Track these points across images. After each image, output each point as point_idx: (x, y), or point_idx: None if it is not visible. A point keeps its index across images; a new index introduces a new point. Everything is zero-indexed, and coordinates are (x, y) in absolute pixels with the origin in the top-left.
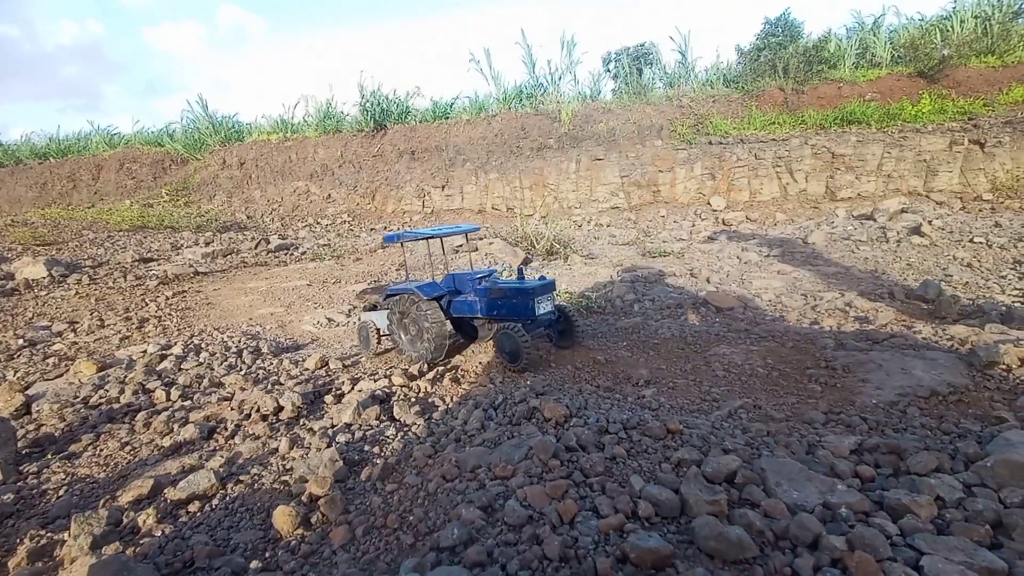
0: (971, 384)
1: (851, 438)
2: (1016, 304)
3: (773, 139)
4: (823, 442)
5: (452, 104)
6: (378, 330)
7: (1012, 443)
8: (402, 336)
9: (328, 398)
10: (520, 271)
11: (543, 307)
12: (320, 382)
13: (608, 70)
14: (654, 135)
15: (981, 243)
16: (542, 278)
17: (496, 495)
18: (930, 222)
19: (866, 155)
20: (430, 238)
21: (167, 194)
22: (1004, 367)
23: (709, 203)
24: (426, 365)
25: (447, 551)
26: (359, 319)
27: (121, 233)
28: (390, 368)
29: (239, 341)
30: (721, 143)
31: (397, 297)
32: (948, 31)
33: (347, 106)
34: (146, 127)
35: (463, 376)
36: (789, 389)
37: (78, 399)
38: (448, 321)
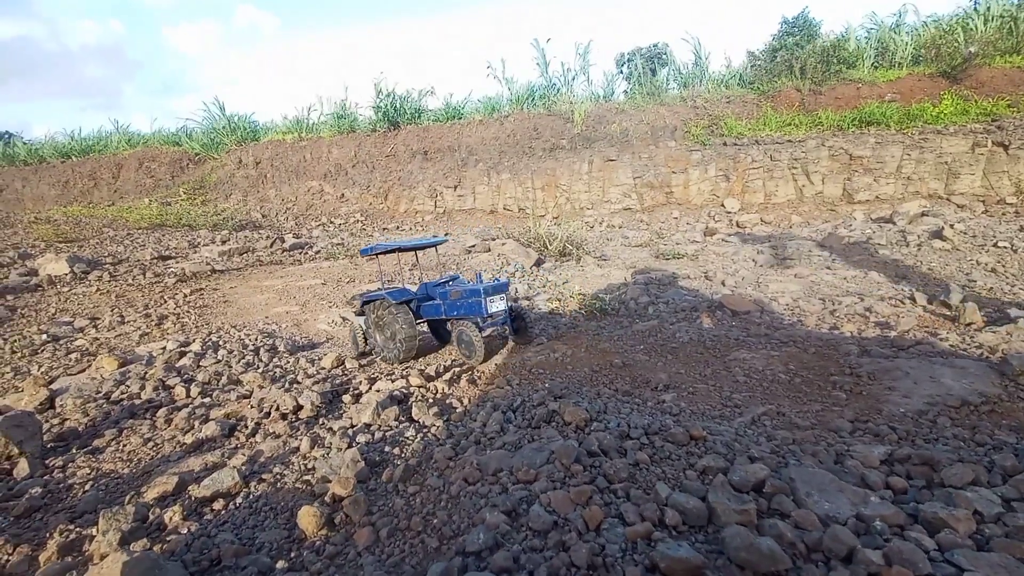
0: (1004, 394)
1: (881, 448)
2: None
3: (789, 140)
4: (851, 451)
5: (465, 104)
6: (364, 333)
7: None
8: (377, 337)
9: (346, 397)
10: (479, 275)
11: (495, 306)
12: (337, 381)
13: (621, 71)
14: (667, 136)
15: (1006, 247)
16: (495, 280)
17: (519, 500)
18: (952, 226)
19: (885, 157)
20: (398, 251)
21: (184, 193)
22: None
23: (723, 205)
24: (441, 368)
25: (473, 556)
26: (351, 322)
27: (140, 231)
28: (407, 369)
29: (256, 339)
30: (736, 144)
31: (373, 302)
32: (972, 30)
33: (361, 107)
34: (164, 127)
35: (480, 377)
36: (813, 396)
37: (100, 394)
38: (417, 324)
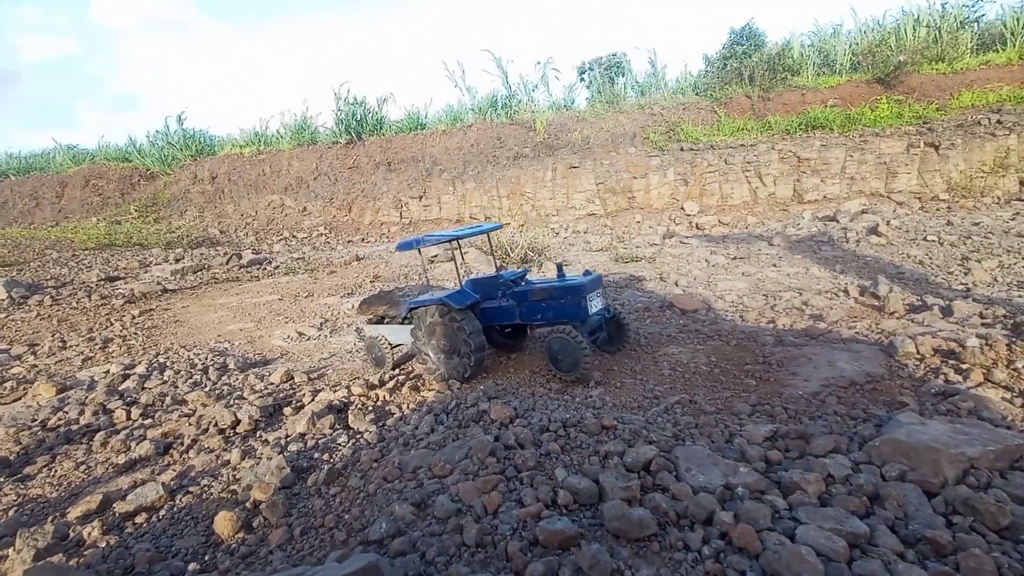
0: (887, 373)
1: (768, 426)
2: (957, 299)
3: (742, 144)
4: (742, 431)
5: (427, 114)
6: (391, 344)
7: (901, 424)
8: (430, 352)
9: (287, 410)
10: (560, 268)
11: (595, 305)
12: (282, 395)
13: (582, 79)
14: (627, 142)
15: (933, 241)
16: (587, 272)
17: (431, 492)
18: (888, 222)
19: (830, 159)
20: (451, 240)
21: (136, 211)
22: (918, 357)
23: (683, 208)
24: (387, 375)
25: (375, 544)
26: (364, 334)
27: (87, 252)
28: (354, 379)
29: (206, 358)
30: (692, 149)
31: (423, 309)
32: (902, 38)
33: (321, 116)
34: (112, 142)
35: (423, 384)
36: (727, 384)
37: (36, 422)
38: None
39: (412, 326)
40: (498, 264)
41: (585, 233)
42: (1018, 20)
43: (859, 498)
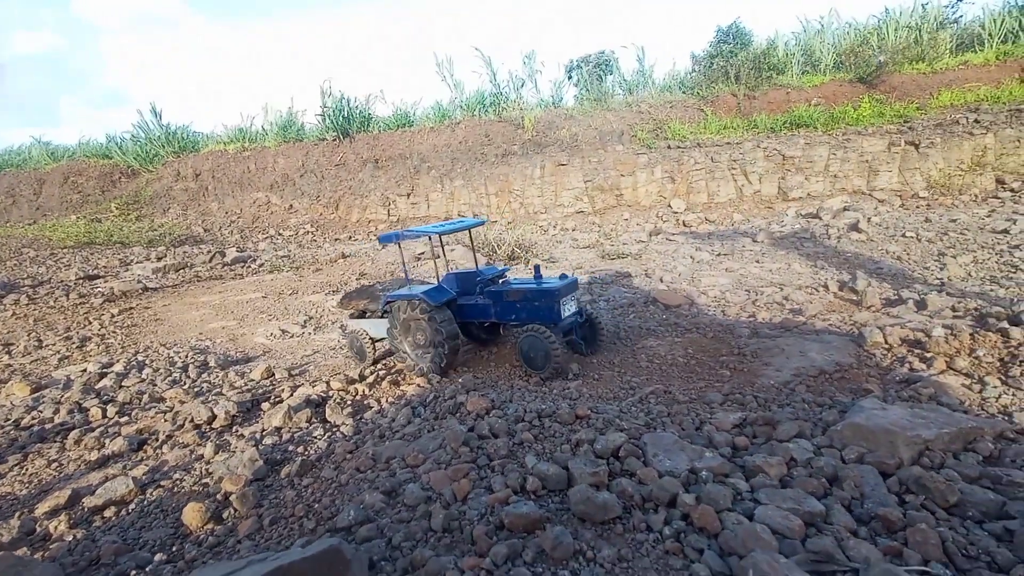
0: (855, 363)
1: (737, 414)
2: (932, 293)
3: (728, 142)
4: (712, 419)
5: (415, 111)
6: (372, 339)
7: (863, 409)
8: (406, 346)
9: (265, 405)
10: (537, 269)
11: (568, 309)
12: (261, 391)
13: (570, 77)
14: (615, 140)
15: (912, 237)
16: (563, 276)
17: (402, 481)
18: (869, 219)
19: (814, 157)
20: (432, 235)
21: (117, 208)
22: (886, 346)
23: (670, 205)
24: (367, 370)
25: (343, 531)
26: (347, 328)
27: (65, 250)
28: (334, 375)
29: (186, 356)
30: (679, 147)
31: (399, 303)
32: (883, 38)
33: (307, 113)
34: (92, 138)
35: (403, 379)
36: (702, 375)
37: (9, 421)
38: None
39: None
40: (486, 261)
41: (573, 231)
42: (995, 22)
43: (818, 480)
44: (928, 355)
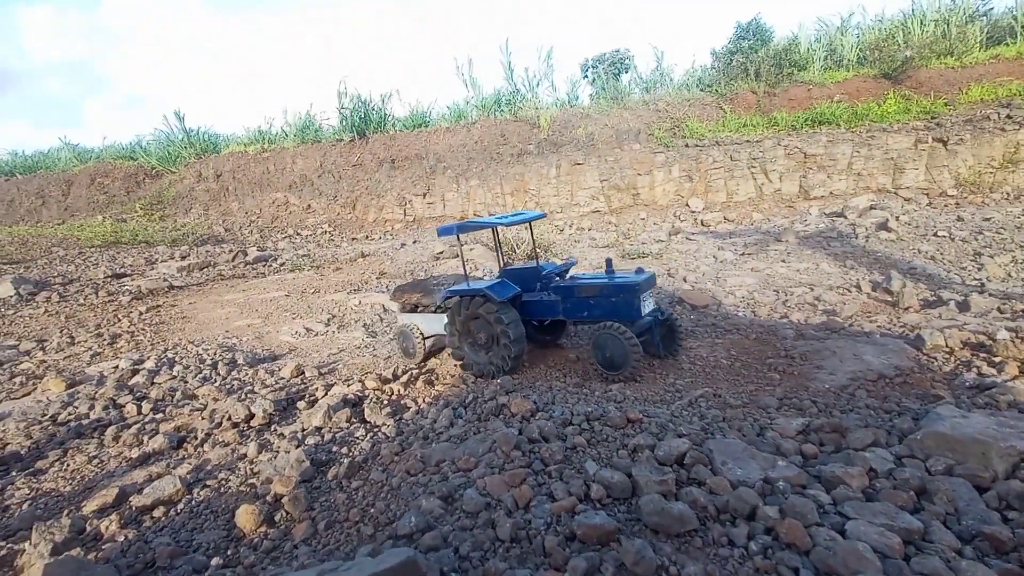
0: (916, 367)
1: (799, 420)
2: (973, 294)
3: (747, 140)
4: (773, 424)
5: (431, 111)
6: (423, 335)
7: (942, 417)
8: (465, 344)
9: (301, 404)
10: (609, 263)
11: (648, 306)
12: (294, 390)
13: (587, 76)
14: (632, 139)
15: (944, 236)
16: (640, 270)
17: (457, 486)
18: (897, 218)
19: (836, 154)
20: (494, 227)
21: (141, 208)
22: (947, 350)
23: (688, 205)
24: (400, 370)
25: (404, 538)
26: (397, 321)
27: (93, 249)
28: (365, 374)
29: (214, 353)
30: (697, 145)
31: (460, 299)
32: (909, 33)
33: (325, 113)
34: (116, 141)
35: (437, 379)
36: (749, 378)
37: (46, 416)
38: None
39: (446, 316)
40: (504, 260)
41: (590, 230)
42: None
43: (906, 493)
44: (996, 359)
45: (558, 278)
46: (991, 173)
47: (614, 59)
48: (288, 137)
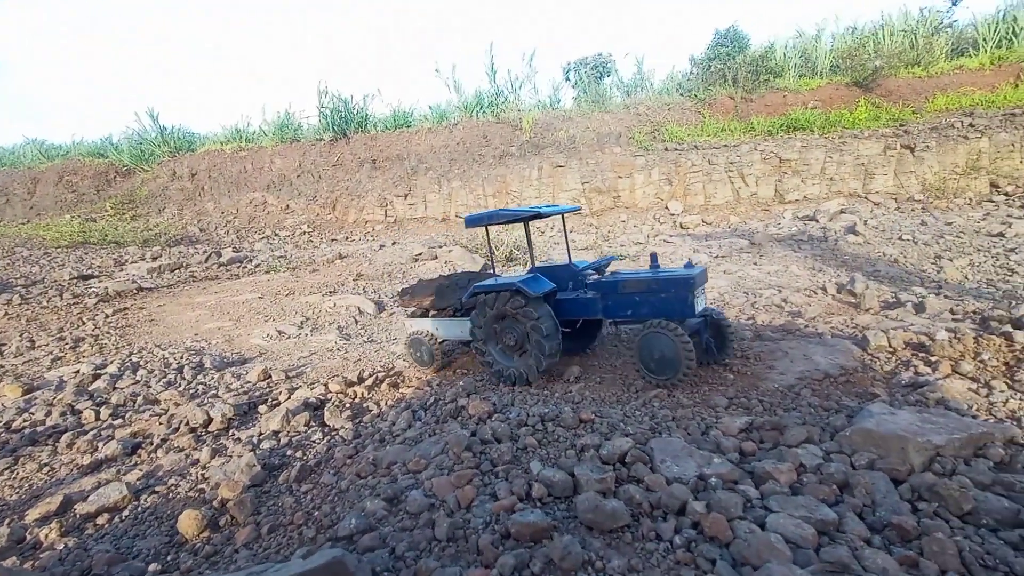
0: (859, 366)
1: (744, 419)
2: (930, 295)
3: (725, 145)
4: (718, 423)
5: (413, 112)
6: (438, 340)
7: (872, 414)
8: (492, 347)
9: (262, 408)
10: (654, 257)
11: (700, 304)
12: (258, 393)
13: (568, 79)
14: (613, 142)
15: (908, 240)
16: (689, 264)
17: (405, 487)
18: (865, 222)
19: (810, 160)
20: (526, 219)
21: (112, 208)
22: (890, 350)
23: (667, 208)
24: (364, 373)
25: (344, 540)
26: (408, 327)
27: (59, 250)
28: (332, 377)
29: (181, 357)
30: (676, 149)
31: (487, 296)
32: (879, 43)
33: (304, 112)
34: (86, 138)
35: (403, 381)
36: (705, 378)
37: (0, 423)
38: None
39: (466, 319)
40: (486, 262)
41: (571, 232)
42: (990, 27)
43: (829, 486)
44: (933, 359)
45: (595, 275)
46: (955, 179)
47: (596, 63)
48: (266, 136)
